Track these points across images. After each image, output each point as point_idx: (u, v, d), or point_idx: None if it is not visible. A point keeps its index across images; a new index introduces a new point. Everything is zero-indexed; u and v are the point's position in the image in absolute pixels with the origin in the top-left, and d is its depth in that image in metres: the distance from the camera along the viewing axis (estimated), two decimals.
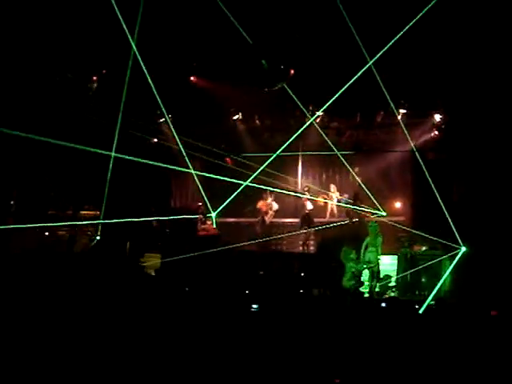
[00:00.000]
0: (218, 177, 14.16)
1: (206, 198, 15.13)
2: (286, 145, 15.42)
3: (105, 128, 14.49)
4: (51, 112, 15.38)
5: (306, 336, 7.29)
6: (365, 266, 14.18)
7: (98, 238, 15.44)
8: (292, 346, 6.99)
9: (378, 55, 13.42)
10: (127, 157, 12.91)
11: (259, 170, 15.11)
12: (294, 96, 14.88)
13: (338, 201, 18.70)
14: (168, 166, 14.32)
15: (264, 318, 8.33)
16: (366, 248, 14.24)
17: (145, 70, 12.99)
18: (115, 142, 13.44)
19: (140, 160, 12.95)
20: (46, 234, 16.80)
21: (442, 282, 13.64)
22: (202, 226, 16.97)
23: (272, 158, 15.55)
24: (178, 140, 15.13)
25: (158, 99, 14.29)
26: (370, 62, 13.18)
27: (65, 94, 16.24)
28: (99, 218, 16.60)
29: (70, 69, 16.75)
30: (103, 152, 13.21)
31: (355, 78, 13.76)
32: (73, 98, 16.54)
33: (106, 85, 17.64)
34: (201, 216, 17.00)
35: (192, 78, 18.26)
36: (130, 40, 12.43)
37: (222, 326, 7.55)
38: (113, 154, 13.13)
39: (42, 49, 15.24)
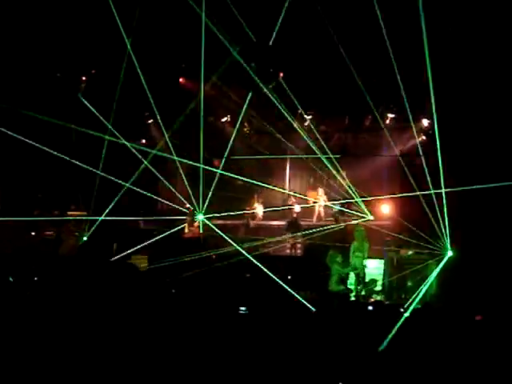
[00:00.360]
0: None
1: (194, 200, 15.11)
2: None
3: (93, 128, 14.47)
4: (39, 112, 15.30)
5: (294, 339, 7.30)
6: (350, 269, 14.23)
7: (85, 238, 15.38)
8: (280, 350, 7.00)
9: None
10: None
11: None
12: (275, 101, 14.86)
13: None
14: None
15: (252, 320, 8.33)
16: (353, 253, 14.30)
17: (139, 72, 12.90)
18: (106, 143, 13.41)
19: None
20: (33, 233, 16.75)
21: (428, 285, 13.70)
22: (191, 228, 16.97)
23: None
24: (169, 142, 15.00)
25: (152, 101, 14.13)
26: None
27: (54, 93, 16.21)
28: (86, 219, 16.59)
29: (60, 68, 16.71)
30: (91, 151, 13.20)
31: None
32: (62, 98, 16.50)
33: (95, 85, 17.62)
34: (189, 218, 17.00)
35: (181, 80, 18.27)
36: (126, 41, 12.38)
37: (210, 329, 7.55)
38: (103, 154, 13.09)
39: (31, 48, 15.20)
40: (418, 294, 13.96)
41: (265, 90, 14.32)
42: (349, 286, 14.36)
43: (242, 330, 7.80)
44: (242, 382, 6.53)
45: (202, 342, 7.09)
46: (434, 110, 11.85)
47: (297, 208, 18.37)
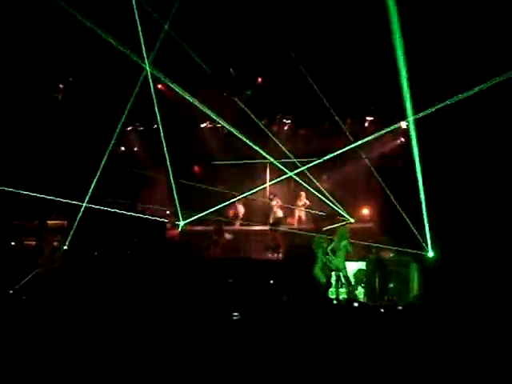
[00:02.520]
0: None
1: (177, 206, 15.09)
2: None
3: (71, 136, 14.43)
4: (18, 120, 15.23)
5: (285, 343, 7.30)
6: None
7: (65, 247, 15.28)
8: (274, 354, 6.98)
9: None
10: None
11: None
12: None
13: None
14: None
15: (244, 326, 8.31)
16: (334, 253, 14.27)
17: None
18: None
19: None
20: (13, 243, 16.63)
21: (409, 287, 13.81)
22: (170, 235, 16.96)
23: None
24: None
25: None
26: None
27: (31, 100, 16.11)
28: (66, 227, 16.48)
29: (37, 75, 16.62)
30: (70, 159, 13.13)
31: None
32: (39, 105, 16.40)
33: (72, 92, 17.54)
34: (169, 225, 16.97)
35: (159, 86, 18.21)
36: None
37: (203, 335, 7.52)
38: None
39: (9, 55, 15.11)
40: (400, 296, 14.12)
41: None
42: (332, 289, 14.37)
43: (237, 335, 7.77)
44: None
45: (196, 349, 7.06)
46: (410, 112, 11.91)
47: (279, 213, 18.46)
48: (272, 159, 17.48)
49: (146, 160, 19.80)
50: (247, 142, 17.30)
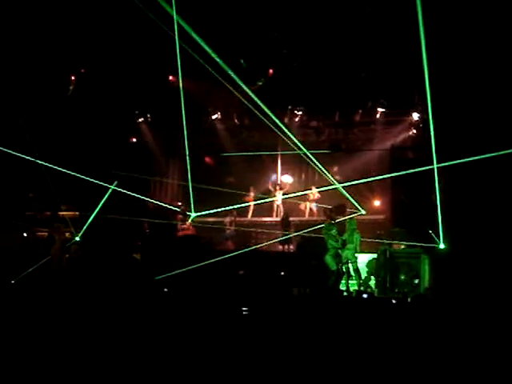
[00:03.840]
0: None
1: (192, 198, 15.06)
2: None
3: (84, 127, 14.48)
4: (30, 112, 15.27)
5: (295, 336, 7.30)
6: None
7: (77, 238, 15.33)
8: (285, 349, 6.99)
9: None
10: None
11: None
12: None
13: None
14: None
15: (254, 320, 8.31)
16: (344, 245, 14.21)
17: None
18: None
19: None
20: (25, 234, 16.71)
21: (421, 279, 13.77)
22: (182, 226, 16.95)
23: None
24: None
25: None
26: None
27: (43, 93, 16.17)
28: (78, 218, 16.54)
29: (49, 69, 16.66)
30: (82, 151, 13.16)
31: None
32: (51, 98, 16.46)
33: (84, 84, 17.59)
34: (180, 216, 16.97)
35: (170, 78, 18.22)
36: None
37: (213, 330, 7.52)
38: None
39: (20, 49, 15.15)
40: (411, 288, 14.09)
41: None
42: (342, 281, 14.32)
43: (246, 330, 7.77)
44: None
45: (206, 343, 7.06)
46: (429, 103, 11.83)
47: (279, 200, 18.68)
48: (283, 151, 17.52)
49: (158, 151, 19.89)
50: (258, 133, 17.35)
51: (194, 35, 10.81)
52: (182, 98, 12.00)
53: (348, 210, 15.24)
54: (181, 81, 11.84)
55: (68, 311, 7.75)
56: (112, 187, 13.76)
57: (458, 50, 14.51)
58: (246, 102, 15.33)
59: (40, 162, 13.76)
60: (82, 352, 6.65)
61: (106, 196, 13.72)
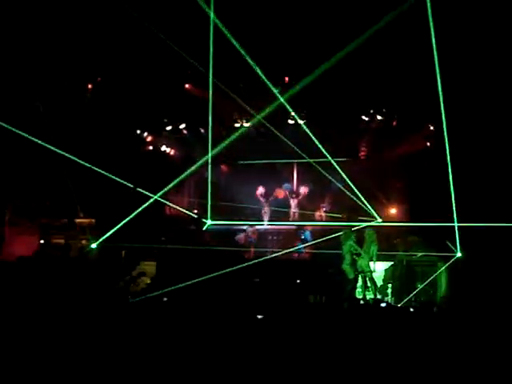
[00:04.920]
0: None
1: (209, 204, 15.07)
2: None
3: (101, 136, 14.53)
4: (48, 120, 15.36)
5: (311, 344, 7.28)
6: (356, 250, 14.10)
7: (93, 246, 15.38)
8: (301, 356, 6.96)
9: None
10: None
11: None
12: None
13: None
14: None
15: (269, 327, 8.29)
16: (359, 254, 14.19)
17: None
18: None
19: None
20: (42, 242, 16.77)
21: (437, 287, 13.71)
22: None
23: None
24: None
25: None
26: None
27: (61, 101, 16.26)
28: (94, 226, 16.60)
29: (66, 77, 16.75)
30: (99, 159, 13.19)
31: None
32: (69, 106, 16.54)
33: (100, 93, 17.66)
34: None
35: (187, 86, 18.28)
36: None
37: (227, 336, 7.52)
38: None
39: (39, 57, 15.25)
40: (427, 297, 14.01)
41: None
42: (358, 289, 14.29)
43: (261, 337, 7.75)
44: None
45: (218, 349, 7.06)
46: (442, 113, 11.81)
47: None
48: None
49: (174, 159, 19.93)
50: (275, 141, 17.33)
51: (235, 42, 10.85)
52: (211, 108, 12.01)
53: (363, 217, 15.23)
54: (211, 89, 11.81)
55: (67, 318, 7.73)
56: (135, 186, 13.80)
57: (471, 56, 14.49)
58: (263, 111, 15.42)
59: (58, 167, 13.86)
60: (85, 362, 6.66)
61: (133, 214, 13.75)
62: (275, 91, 14.46)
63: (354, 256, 14.10)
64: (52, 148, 13.12)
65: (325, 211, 19.27)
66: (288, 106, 14.76)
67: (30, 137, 12.60)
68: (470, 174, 15.00)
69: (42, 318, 7.55)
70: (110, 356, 6.75)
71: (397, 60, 15.23)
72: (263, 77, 12.67)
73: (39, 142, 12.82)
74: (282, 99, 14.24)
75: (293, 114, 17.24)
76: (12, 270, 12.28)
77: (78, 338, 7.08)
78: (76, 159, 13.76)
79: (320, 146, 15.16)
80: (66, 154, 13.25)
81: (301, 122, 17.84)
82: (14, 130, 12.04)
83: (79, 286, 10.48)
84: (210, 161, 13.52)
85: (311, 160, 17.43)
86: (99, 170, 13.13)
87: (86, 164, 13.69)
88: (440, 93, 11.86)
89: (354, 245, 13.92)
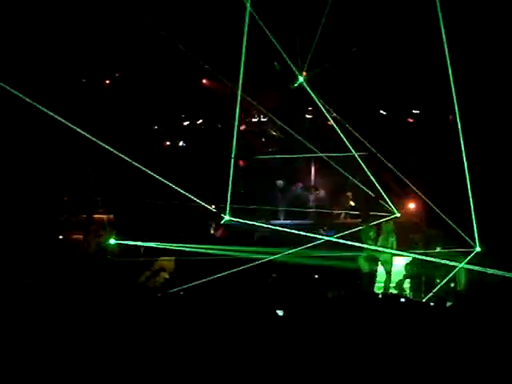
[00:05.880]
0: None
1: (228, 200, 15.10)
2: None
3: (120, 131, 14.58)
4: (65, 116, 15.42)
5: (331, 339, 7.27)
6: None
7: (111, 241, 15.45)
8: (321, 351, 6.96)
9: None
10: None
11: None
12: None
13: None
14: None
15: (289, 323, 8.29)
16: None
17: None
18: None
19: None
20: (61, 237, 16.88)
21: (457, 282, 13.61)
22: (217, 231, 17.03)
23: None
24: None
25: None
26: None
27: (79, 97, 16.35)
28: (113, 221, 16.68)
29: (84, 72, 16.83)
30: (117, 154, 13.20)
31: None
32: (87, 101, 16.62)
33: (118, 88, 17.73)
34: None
35: (204, 81, 18.29)
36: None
37: (247, 331, 7.52)
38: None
39: (56, 52, 15.32)
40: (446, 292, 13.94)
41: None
42: (378, 283, 14.27)
43: (281, 333, 7.74)
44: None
45: (240, 345, 7.06)
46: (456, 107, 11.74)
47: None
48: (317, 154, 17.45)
49: (193, 155, 19.96)
50: (293, 136, 17.31)
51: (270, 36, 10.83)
52: (239, 102, 12.00)
53: (383, 213, 15.18)
54: (240, 85, 11.81)
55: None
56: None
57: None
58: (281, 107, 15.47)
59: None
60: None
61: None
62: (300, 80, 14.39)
63: (373, 251, 14.07)
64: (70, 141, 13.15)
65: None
66: (316, 98, 14.67)
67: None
68: (488, 166, 14.93)
69: (69, 313, 7.60)
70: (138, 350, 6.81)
71: (420, 56, 15.16)
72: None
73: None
74: (310, 91, 14.19)
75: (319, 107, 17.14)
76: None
77: (105, 332, 7.12)
78: (96, 151, 13.88)
79: (345, 140, 15.16)
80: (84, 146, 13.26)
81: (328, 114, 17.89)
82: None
83: (100, 282, 10.54)
84: (233, 155, 13.51)
85: (329, 155, 17.40)
86: (125, 157, 13.10)
87: (109, 153, 13.78)
88: (452, 89, 11.79)
89: (371, 241, 13.91)
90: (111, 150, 13.95)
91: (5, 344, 6.61)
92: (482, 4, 13.64)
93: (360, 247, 13.89)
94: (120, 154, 13.03)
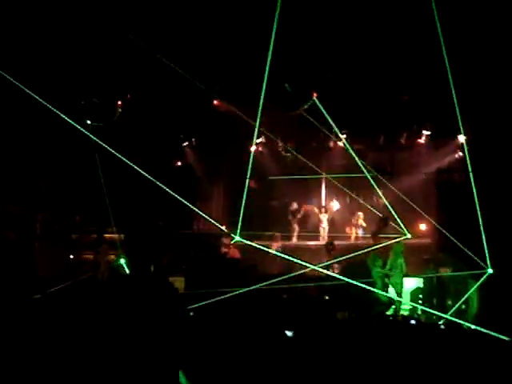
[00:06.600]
0: None
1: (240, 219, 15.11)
2: None
3: (129, 152, 14.58)
4: (75, 137, 15.53)
5: (342, 361, 7.21)
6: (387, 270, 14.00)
7: (122, 261, 15.47)
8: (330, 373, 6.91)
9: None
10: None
11: None
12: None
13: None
14: None
15: (298, 343, 8.23)
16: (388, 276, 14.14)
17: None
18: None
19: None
20: (71, 256, 16.93)
21: (468, 305, 13.51)
22: (225, 250, 16.98)
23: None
24: None
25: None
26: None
27: (90, 118, 16.45)
28: (123, 241, 16.71)
29: (96, 93, 16.95)
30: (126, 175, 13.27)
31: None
32: (98, 123, 16.72)
33: (130, 110, 17.84)
34: (224, 239, 17.00)
35: (215, 102, 18.37)
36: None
37: (256, 352, 7.48)
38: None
39: (68, 73, 15.45)
40: (458, 314, 13.82)
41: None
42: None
43: (290, 353, 7.69)
44: None
45: (250, 366, 7.02)
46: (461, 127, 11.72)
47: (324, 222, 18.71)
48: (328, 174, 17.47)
49: (202, 174, 20.04)
50: (303, 157, 17.34)
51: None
52: (258, 123, 12.02)
53: (393, 235, 15.11)
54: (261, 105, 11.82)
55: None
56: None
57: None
58: (290, 126, 15.51)
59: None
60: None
61: None
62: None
63: (386, 279, 14.06)
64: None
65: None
66: (330, 119, 14.69)
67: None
68: (499, 188, 14.87)
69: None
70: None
71: (425, 73, 15.16)
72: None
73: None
74: (325, 112, 14.22)
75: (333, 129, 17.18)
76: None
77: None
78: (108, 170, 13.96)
79: (359, 161, 15.15)
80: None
81: (342, 136, 17.94)
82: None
83: (113, 303, 10.51)
84: (248, 175, 13.54)
85: (342, 176, 17.42)
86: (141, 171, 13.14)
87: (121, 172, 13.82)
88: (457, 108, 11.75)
89: (380, 270, 13.88)
90: (123, 167, 14.05)
91: (13, 358, 6.62)
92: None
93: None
94: (136, 168, 13.11)
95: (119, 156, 12.97)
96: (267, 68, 11.07)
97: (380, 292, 13.76)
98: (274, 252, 17.03)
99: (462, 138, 17.43)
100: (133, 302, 8.97)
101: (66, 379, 6.50)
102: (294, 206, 20.21)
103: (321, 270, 14.65)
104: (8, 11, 13.52)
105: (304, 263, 13.93)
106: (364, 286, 12.37)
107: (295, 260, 14.02)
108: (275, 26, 10.57)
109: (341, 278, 12.79)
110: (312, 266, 14.01)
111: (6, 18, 13.66)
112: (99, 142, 12.07)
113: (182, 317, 8.99)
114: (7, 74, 9.69)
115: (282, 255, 15.89)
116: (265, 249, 15.85)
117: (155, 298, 9.43)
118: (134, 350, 7.06)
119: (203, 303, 11.52)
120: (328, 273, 15.30)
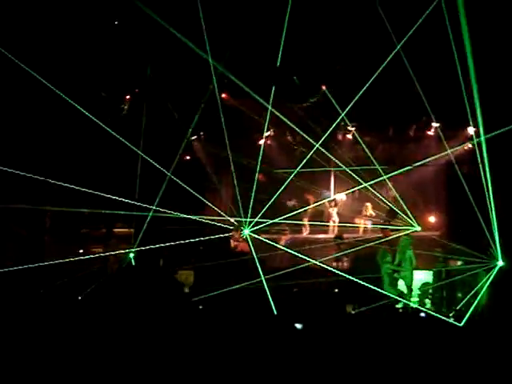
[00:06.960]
0: None
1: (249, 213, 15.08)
2: None
3: (137, 146, 14.62)
4: (85, 131, 15.54)
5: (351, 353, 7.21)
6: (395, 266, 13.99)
7: (131, 255, 15.49)
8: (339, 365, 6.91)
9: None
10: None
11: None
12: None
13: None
14: None
15: (308, 337, 8.24)
16: (400, 264, 14.11)
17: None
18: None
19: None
20: (81, 251, 16.97)
21: (478, 297, 13.44)
22: (235, 243, 16.97)
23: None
24: None
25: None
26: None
27: (98, 112, 16.45)
28: (133, 235, 16.72)
29: (104, 87, 16.95)
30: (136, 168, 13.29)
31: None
32: (106, 117, 16.72)
33: (138, 104, 17.82)
34: (233, 233, 16.98)
35: (223, 95, 18.30)
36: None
37: (265, 345, 7.48)
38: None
39: (76, 67, 15.46)
40: (468, 306, 13.78)
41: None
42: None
43: (299, 347, 7.70)
44: None
45: (259, 360, 7.03)
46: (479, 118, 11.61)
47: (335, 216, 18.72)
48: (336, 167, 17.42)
49: (211, 168, 20.02)
50: (312, 149, 17.29)
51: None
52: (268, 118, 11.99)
53: (402, 227, 15.08)
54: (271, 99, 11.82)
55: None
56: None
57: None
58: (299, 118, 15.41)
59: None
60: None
61: None
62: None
63: (395, 274, 14.04)
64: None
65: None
66: (339, 110, 14.66)
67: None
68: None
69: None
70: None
71: (434, 65, 15.09)
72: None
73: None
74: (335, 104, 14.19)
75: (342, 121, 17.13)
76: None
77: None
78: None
79: (369, 153, 15.10)
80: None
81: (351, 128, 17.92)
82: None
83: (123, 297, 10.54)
84: (258, 168, 13.55)
85: (351, 168, 17.35)
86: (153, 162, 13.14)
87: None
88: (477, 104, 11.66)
89: (390, 266, 13.86)
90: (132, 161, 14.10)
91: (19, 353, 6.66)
92: None
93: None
94: (151, 160, 13.15)
95: (132, 147, 13.09)
96: (278, 60, 11.06)
97: (387, 289, 13.75)
98: (283, 248, 17.04)
99: (471, 130, 17.42)
100: (136, 296, 9.01)
101: (72, 367, 6.54)
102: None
103: (326, 266, 14.74)
104: (21, 5, 13.57)
105: (312, 260, 14.00)
106: (370, 286, 12.33)
107: (302, 256, 14.06)
108: (287, 19, 10.56)
109: (346, 276, 12.77)
110: (315, 262, 13.98)
111: (20, 13, 13.70)
112: (114, 134, 12.11)
113: (186, 310, 9.01)
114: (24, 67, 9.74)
115: (290, 251, 15.93)
116: (273, 243, 15.92)
117: (158, 292, 9.47)
118: (136, 343, 7.10)
119: (211, 294, 11.56)
120: (334, 270, 15.38)
